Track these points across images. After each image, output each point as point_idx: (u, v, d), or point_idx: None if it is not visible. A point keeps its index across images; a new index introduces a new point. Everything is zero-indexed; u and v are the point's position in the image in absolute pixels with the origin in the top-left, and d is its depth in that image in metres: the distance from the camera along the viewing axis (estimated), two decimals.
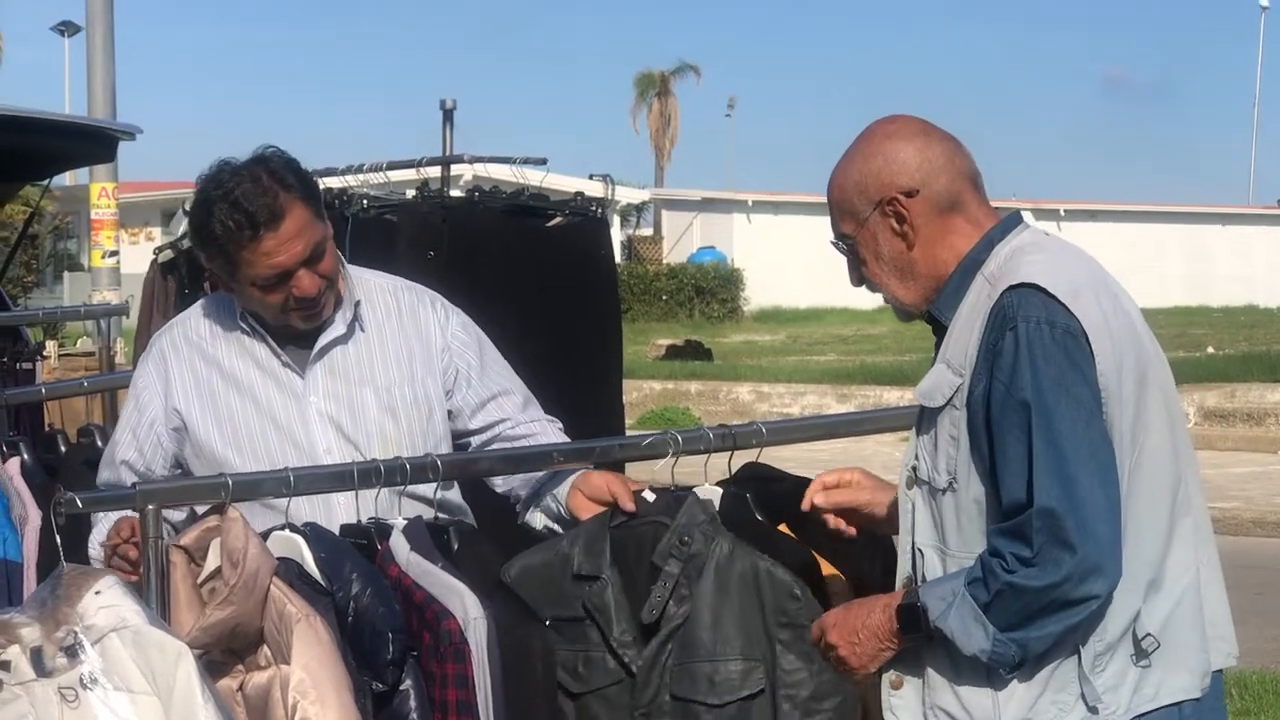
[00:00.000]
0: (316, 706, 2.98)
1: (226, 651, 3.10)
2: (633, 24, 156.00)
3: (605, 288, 6.85)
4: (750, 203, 44.54)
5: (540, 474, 3.79)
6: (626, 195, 40.45)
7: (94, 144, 10.86)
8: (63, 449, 5.43)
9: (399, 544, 3.29)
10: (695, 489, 3.55)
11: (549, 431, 3.95)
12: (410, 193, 6.43)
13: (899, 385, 19.89)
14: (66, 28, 49.67)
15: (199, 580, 3.11)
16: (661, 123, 68.08)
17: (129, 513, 3.37)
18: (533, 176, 6.94)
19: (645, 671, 3.40)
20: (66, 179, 29.95)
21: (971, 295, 3.04)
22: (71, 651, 2.78)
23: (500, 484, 3.93)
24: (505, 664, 3.18)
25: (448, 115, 6.87)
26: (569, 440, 3.92)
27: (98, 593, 2.83)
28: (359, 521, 3.41)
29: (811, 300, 41.99)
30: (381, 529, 3.36)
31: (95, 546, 3.68)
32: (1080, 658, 2.93)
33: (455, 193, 6.60)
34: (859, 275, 3.19)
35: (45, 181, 11.74)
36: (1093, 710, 2.94)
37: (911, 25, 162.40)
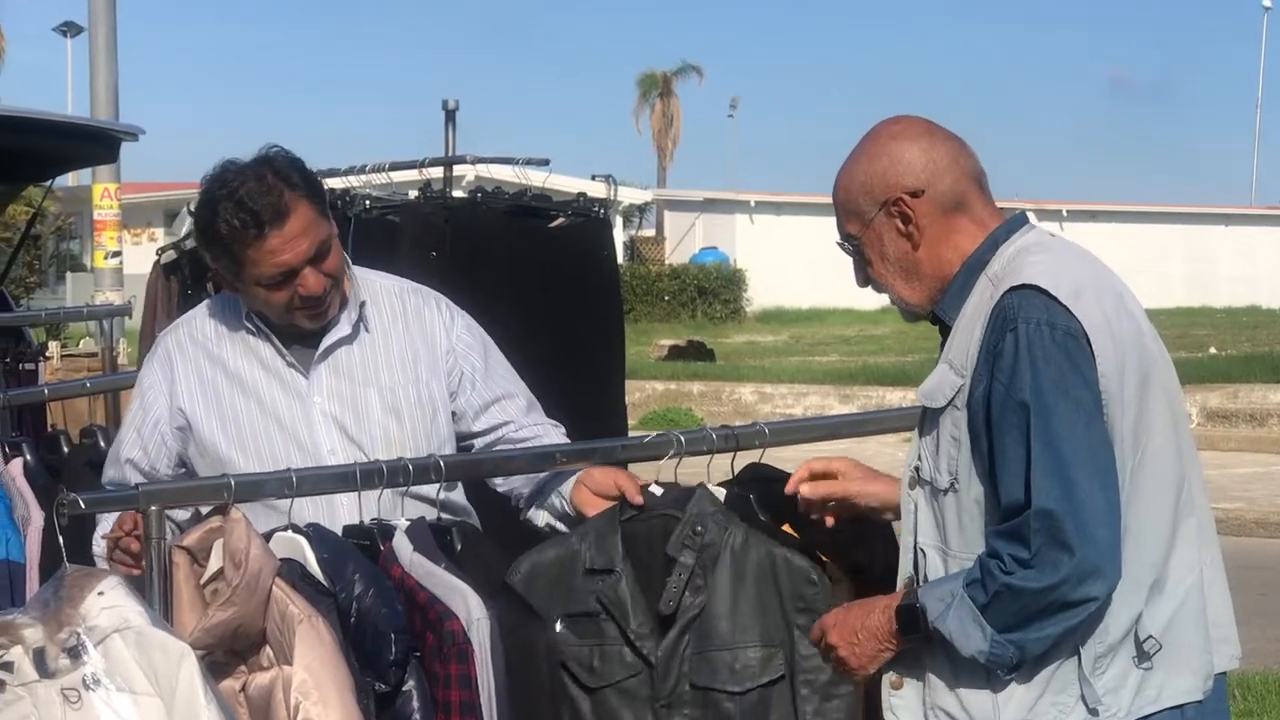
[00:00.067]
0: (319, 707, 2.98)
1: (229, 652, 3.10)
2: (635, 24, 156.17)
3: (608, 288, 6.85)
4: (753, 203, 44.54)
5: (543, 474, 3.79)
6: (629, 196, 40.49)
7: (96, 145, 10.87)
8: (65, 450, 5.43)
9: (402, 545, 3.29)
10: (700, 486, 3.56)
11: (552, 435, 3.95)
12: (413, 193, 6.43)
13: (902, 386, 19.89)
14: (69, 28, 49.69)
15: (202, 581, 3.11)
16: (664, 123, 68.12)
17: None
18: (535, 177, 6.94)
19: (664, 662, 3.42)
20: (69, 180, 29.93)
21: (975, 296, 3.04)
22: (74, 652, 2.78)
23: (501, 484, 3.93)
24: (509, 664, 3.18)
25: (450, 116, 6.87)
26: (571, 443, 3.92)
27: (100, 594, 2.83)
28: (362, 522, 3.41)
29: (814, 301, 42.00)
30: (384, 530, 3.36)
31: (99, 541, 3.68)
32: (1080, 659, 2.93)
33: (458, 193, 6.60)
34: (864, 276, 3.19)
35: (48, 182, 11.78)
36: (1093, 712, 2.93)
37: (914, 25, 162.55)
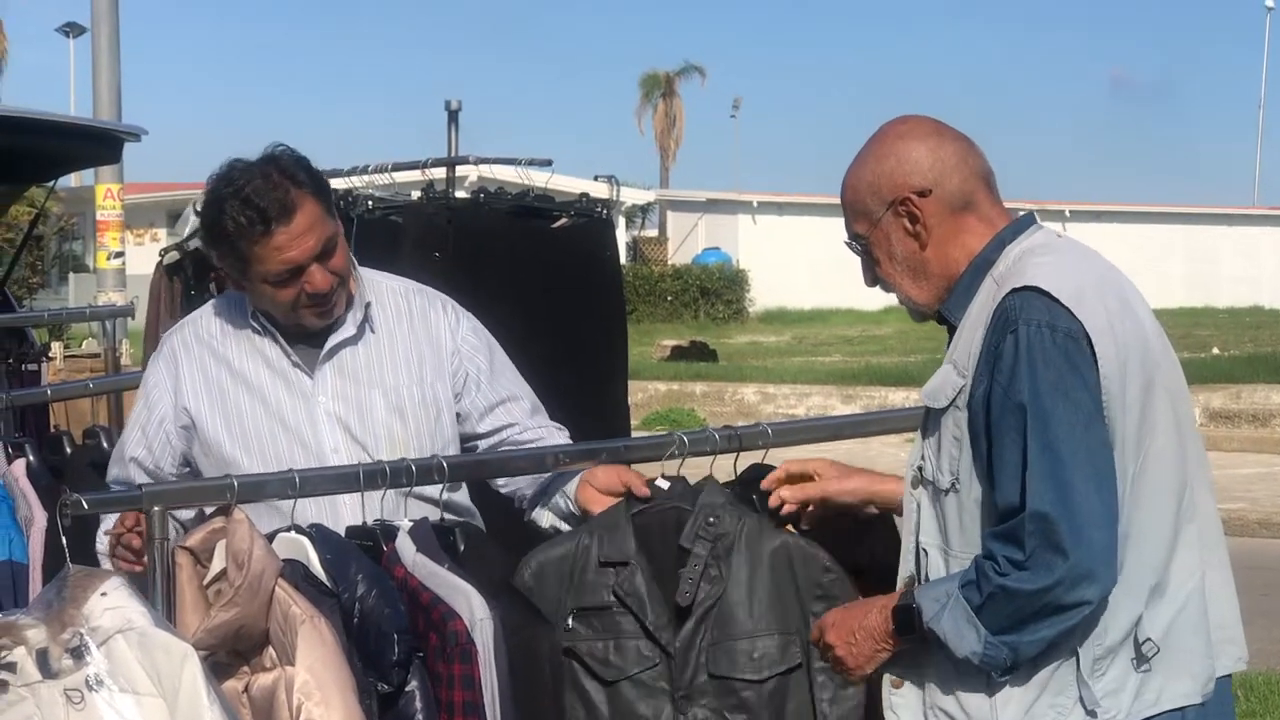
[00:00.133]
0: (321, 708, 2.98)
1: (232, 653, 3.09)
2: (638, 25, 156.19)
3: (610, 289, 6.84)
4: (755, 204, 44.54)
5: (547, 475, 3.79)
6: (632, 196, 40.47)
7: (99, 145, 10.86)
8: (68, 450, 5.43)
9: (405, 545, 3.29)
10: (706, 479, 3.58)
11: (556, 438, 3.95)
12: (415, 194, 6.43)
13: (904, 386, 19.89)
14: (71, 29, 49.74)
15: (205, 582, 3.11)
16: (666, 124, 68.12)
17: None
18: (538, 178, 6.94)
19: (683, 653, 3.43)
20: (72, 180, 29.99)
21: (980, 296, 3.04)
22: (77, 653, 2.77)
23: (505, 486, 3.93)
24: (512, 665, 3.18)
25: (453, 116, 6.87)
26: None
27: (103, 594, 2.83)
28: (365, 523, 3.41)
29: (816, 301, 42.01)
30: (387, 530, 3.35)
31: (102, 538, 3.69)
32: (1079, 661, 2.93)
33: (460, 194, 6.60)
34: (872, 275, 3.19)
35: (50, 183, 11.76)
36: (1091, 714, 2.94)
37: (916, 26, 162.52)
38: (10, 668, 2.77)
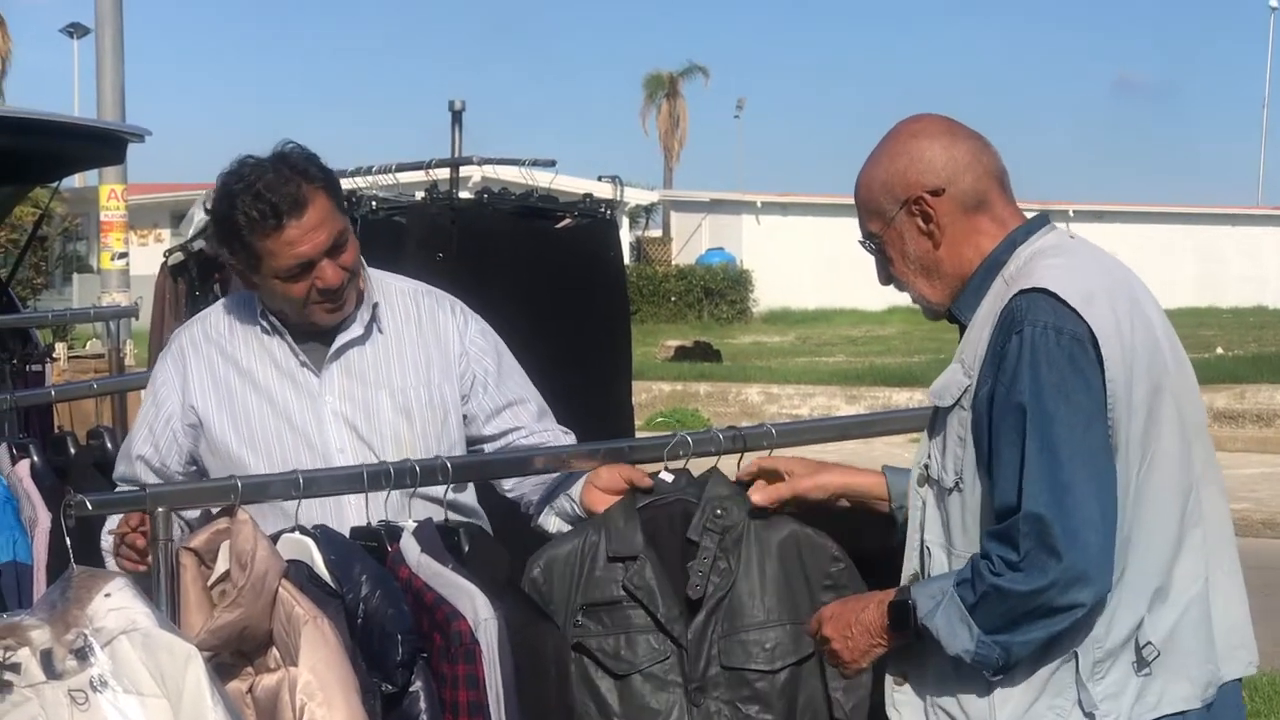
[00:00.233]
0: (324, 709, 2.98)
1: (236, 654, 3.10)
2: (641, 25, 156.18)
3: (614, 289, 6.85)
4: (759, 204, 44.52)
5: (552, 477, 3.80)
6: (635, 196, 40.47)
7: (103, 146, 10.86)
8: (72, 451, 5.42)
9: (409, 546, 3.29)
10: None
11: (562, 441, 3.96)
12: (419, 194, 6.44)
13: (908, 386, 19.87)
14: (75, 30, 49.73)
15: (209, 583, 3.11)
16: (670, 124, 68.09)
17: None
18: (541, 178, 6.94)
19: (695, 644, 3.44)
20: (75, 181, 30.03)
21: (990, 296, 3.04)
22: (81, 654, 2.78)
23: (510, 490, 3.93)
24: (517, 664, 3.18)
25: (456, 117, 6.88)
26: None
27: (108, 595, 2.83)
28: (369, 523, 3.41)
29: (820, 301, 41.99)
30: (392, 531, 3.36)
31: (106, 537, 3.69)
32: (1078, 664, 2.93)
33: (464, 194, 6.61)
34: (886, 274, 3.19)
35: (54, 184, 11.76)
36: (1089, 717, 2.94)
37: (920, 26, 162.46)
38: (14, 668, 2.77)
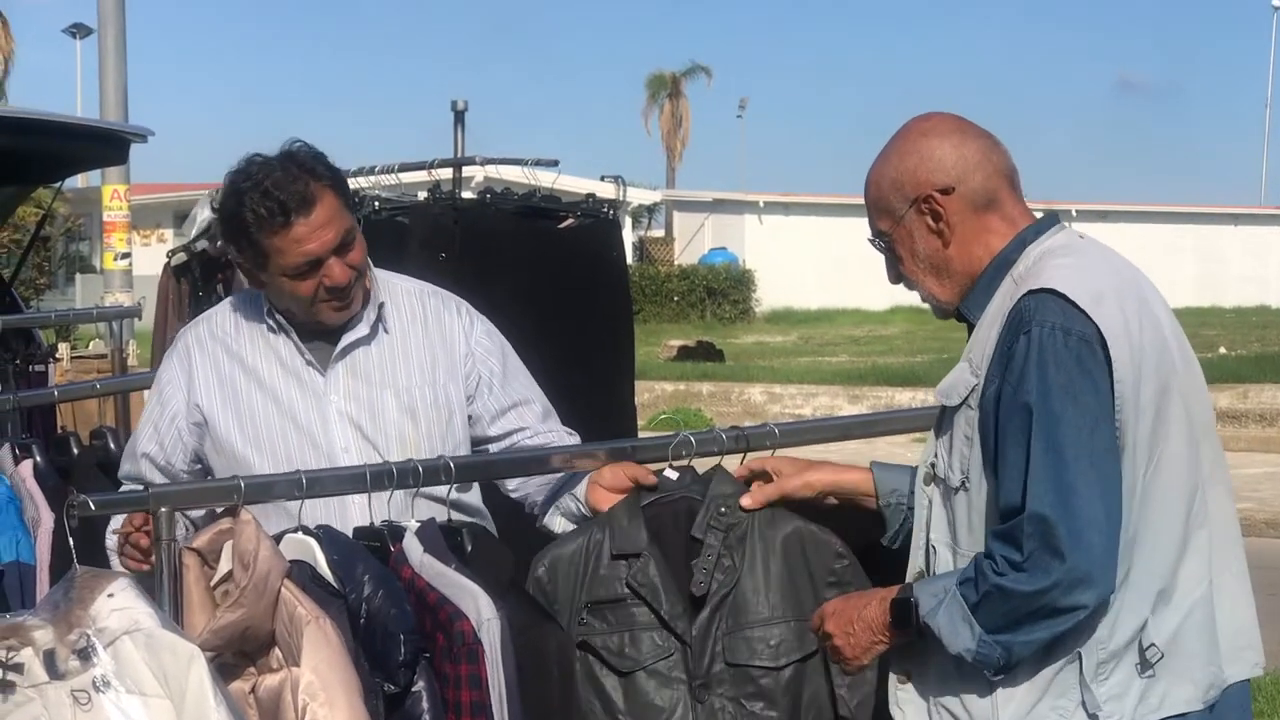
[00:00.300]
0: (326, 709, 2.98)
1: (239, 654, 3.10)
2: (643, 25, 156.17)
3: (617, 289, 6.84)
4: (762, 204, 44.51)
5: (556, 477, 3.80)
6: (638, 196, 40.45)
7: (106, 146, 10.88)
8: (75, 451, 5.43)
9: (412, 546, 3.29)
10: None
11: (566, 442, 3.96)
12: (422, 194, 6.43)
13: (911, 386, 19.86)
14: (78, 30, 49.81)
15: (212, 583, 3.11)
16: (673, 124, 68.08)
17: None
18: (544, 178, 6.94)
19: (699, 641, 3.44)
20: (78, 181, 30.01)
21: (999, 296, 3.04)
22: (84, 654, 2.78)
23: (514, 490, 3.93)
24: (520, 664, 3.18)
25: (459, 117, 6.88)
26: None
27: (110, 595, 2.83)
28: (372, 524, 3.41)
29: (823, 301, 41.99)
30: (395, 531, 3.36)
31: (110, 536, 3.70)
32: (1082, 664, 2.92)
33: (467, 194, 6.60)
34: (896, 273, 3.19)
35: (57, 184, 11.77)
36: (1093, 718, 2.93)
37: (923, 26, 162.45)
38: (17, 669, 2.77)
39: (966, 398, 3.01)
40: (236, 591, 3.03)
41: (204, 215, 8.01)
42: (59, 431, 6.88)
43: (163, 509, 3.08)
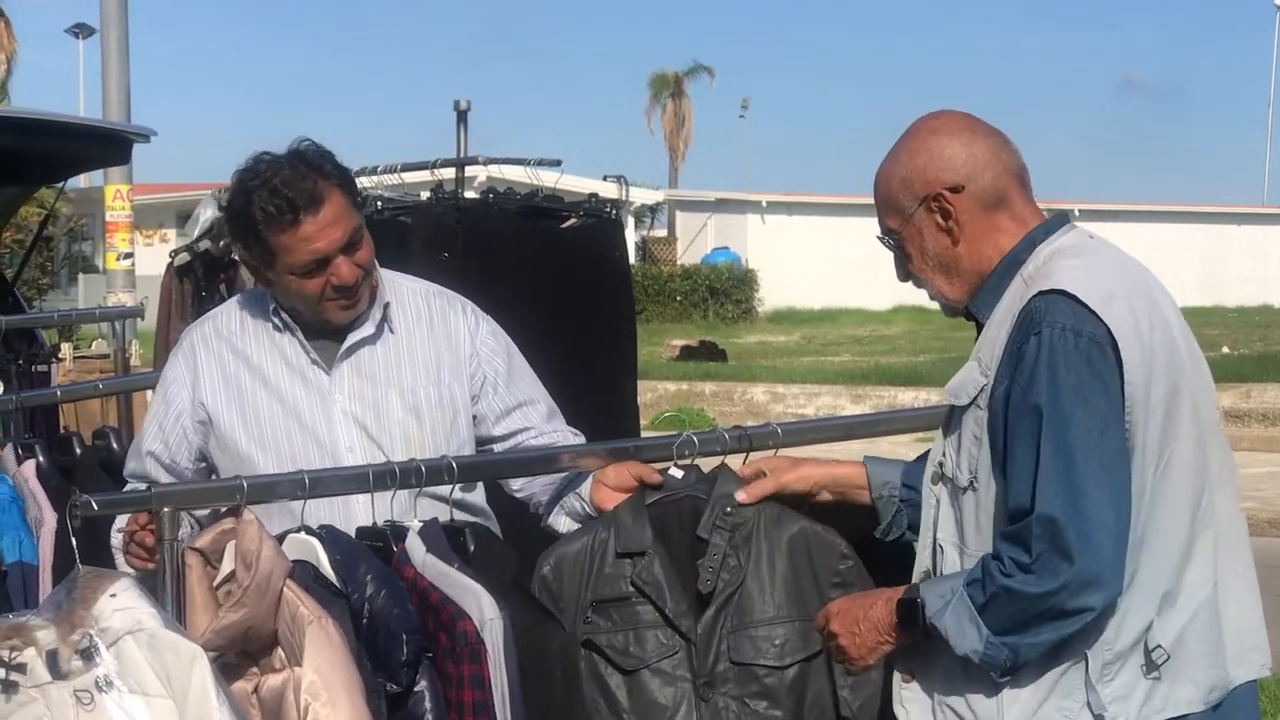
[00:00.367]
0: (328, 709, 2.98)
1: (241, 654, 3.09)
2: (646, 25, 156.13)
3: (619, 289, 6.84)
4: (764, 203, 44.51)
5: (560, 476, 3.80)
6: (641, 196, 40.41)
7: (109, 146, 10.89)
8: (78, 451, 5.43)
9: (415, 546, 3.29)
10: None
11: (570, 442, 3.95)
12: (424, 194, 6.43)
13: (914, 386, 19.86)
14: (81, 30, 49.80)
15: (215, 583, 3.11)
16: (675, 124, 68.07)
17: None
18: (547, 178, 6.94)
19: (704, 640, 3.44)
20: (81, 181, 29.99)
21: (1008, 295, 3.03)
22: (87, 654, 2.77)
23: (519, 490, 3.93)
24: (523, 665, 3.18)
25: (462, 116, 6.87)
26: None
27: (113, 595, 2.83)
28: (375, 524, 3.41)
29: (825, 301, 41.98)
30: (397, 531, 3.36)
31: (115, 534, 3.70)
32: (1088, 665, 2.92)
33: (469, 194, 6.60)
34: (905, 270, 3.19)
35: (60, 184, 11.79)
36: (1098, 719, 2.93)
37: (926, 26, 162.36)
38: (20, 669, 2.77)
39: (975, 397, 3.00)
40: (239, 591, 3.03)
41: (206, 215, 8.02)
42: (62, 431, 6.88)
43: (165, 509, 3.08)
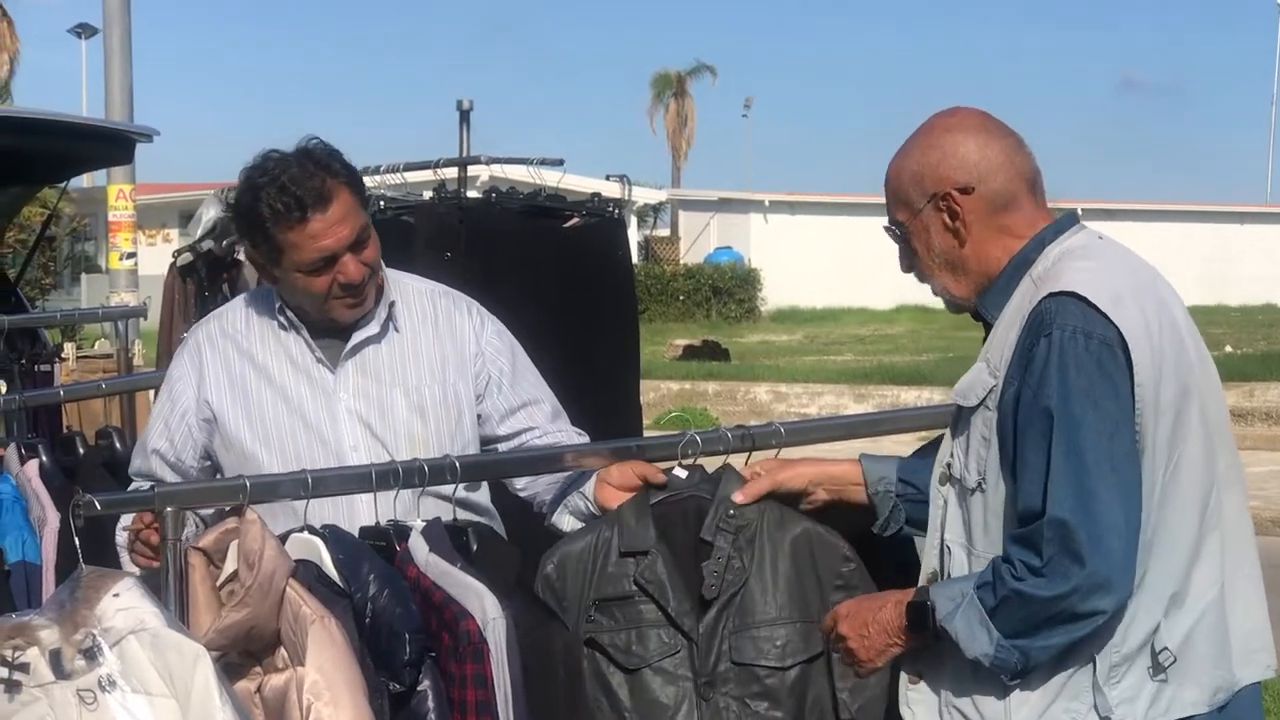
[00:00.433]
0: (330, 708, 2.98)
1: (244, 654, 3.09)
2: (649, 24, 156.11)
3: (622, 288, 6.84)
4: (767, 203, 44.49)
5: (564, 476, 3.80)
6: (643, 196, 40.46)
7: (111, 146, 10.89)
8: (81, 451, 5.43)
9: (418, 545, 3.29)
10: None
11: (575, 442, 3.95)
12: (427, 194, 6.43)
13: (916, 385, 19.86)
14: (84, 30, 49.76)
15: (218, 582, 3.11)
16: (678, 123, 68.07)
17: None
18: (549, 177, 6.94)
19: (706, 639, 3.44)
20: (84, 181, 29.96)
21: (1017, 296, 3.02)
22: (90, 654, 2.77)
23: (523, 489, 3.93)
24: (525, 664, 3.18)
25: (464, 116, 6.87)
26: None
27: (116, 595, 2.83)
28: (378, 523, 3.41)
29: (828, 300, 41.97)
30: (400, 530, 3.36)
31: (120, 532, 3.70)
32: (1095, 668, 2.91)
33: (472, 194, 6.60)
34: (909, 263, 3.18)
35: (63, 184, 11.79)
36: None
37: (928, 25, 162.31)
38: (23, 668, 2.78)
39: (984, 399, 2.99)
40: (242, 591, 3.03)
41: (209, 215, 8.01)
42: (64, 431, 6.89)
43: (168, 509, 3.08)
